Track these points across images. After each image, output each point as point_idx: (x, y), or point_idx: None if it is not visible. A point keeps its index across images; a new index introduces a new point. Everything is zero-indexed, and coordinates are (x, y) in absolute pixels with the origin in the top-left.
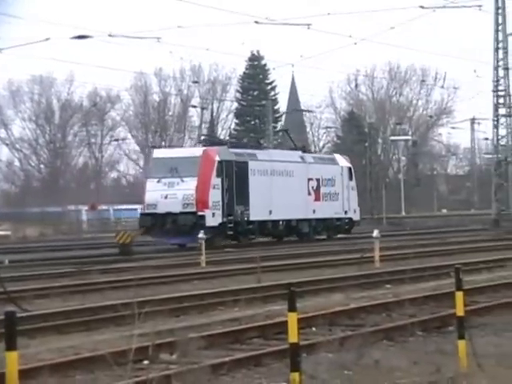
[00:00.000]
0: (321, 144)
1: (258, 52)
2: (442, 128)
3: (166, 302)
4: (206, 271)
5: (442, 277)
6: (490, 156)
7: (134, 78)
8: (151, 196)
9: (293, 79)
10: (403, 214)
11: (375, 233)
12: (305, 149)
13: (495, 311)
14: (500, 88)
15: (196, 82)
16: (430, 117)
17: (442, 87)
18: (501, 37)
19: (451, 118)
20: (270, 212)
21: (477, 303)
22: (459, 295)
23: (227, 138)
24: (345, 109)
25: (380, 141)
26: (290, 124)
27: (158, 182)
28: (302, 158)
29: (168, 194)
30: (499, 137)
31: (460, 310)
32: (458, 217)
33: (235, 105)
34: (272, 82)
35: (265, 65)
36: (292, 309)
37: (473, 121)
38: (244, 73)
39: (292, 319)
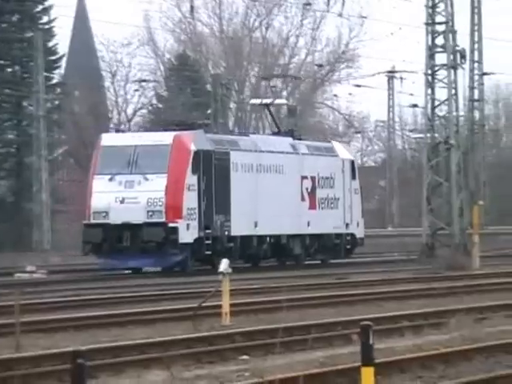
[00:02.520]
0: (130, 109)
1: None
2: (338, 86)
3: None
4: None
5: (337, 342)
6: (421, 136)
7: None
8: (100, 200)
9: None
10: None
11: (223, 265)
12: (293, 133)
13: None
14: (438, 19)
15: None
16: (319, 66)
17: (340, 15)
18: None
19: (355, 68)
20: (256, 224)
21: None
22: (367, 373)
23: None
24: (172, 49)
25: (233, 105)
26: (77, 74)
27: (111, 180)
28: (293, 146)
29: (125, 198)
30: (436, 103)
31: None
32: (365, 238)
33: None
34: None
35: None
36: None
37: (391, 74)
38: None
39: None
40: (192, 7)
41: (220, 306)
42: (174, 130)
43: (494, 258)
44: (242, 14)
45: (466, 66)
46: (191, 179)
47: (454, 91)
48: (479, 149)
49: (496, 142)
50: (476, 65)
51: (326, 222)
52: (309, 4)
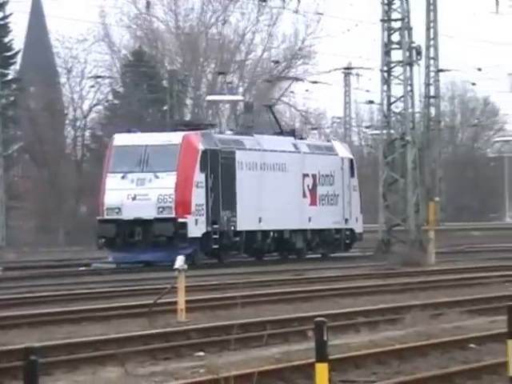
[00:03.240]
0: (86, 105)
1: None
2: (295, 83)
3: None
4: None
5: (293, 338)
6: (377, 133)
7: None
8: (113, 197)
9: None
10: None
11: (179, 261)
12: (295, 133)
13: None
14: (394, 16)
15: None
16: (276, 62)
17: (296, 12)
18: None
19: (311, 65)
20: (260, 220)
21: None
22: (321, 369)
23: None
24: (128, 45)
25: (189, 102)
26: (33, 70)
27: (123, 178)
28: (295, 146)
29: (137, 195)
30: (392, 100)
31: None
32: None
33: None
34: None
35: None
36: None
37: (347, 71)
38: None
39: None
40: (148, 3)
41: (176, 303)
42: (183, 130)
43: (450, 254)
44: (198, 10)
45: (422, 62)
46: (199, 177)
47: (409, 88)
48: (435, 145)
49: (452, 139)
50: (432, 61)
51: (326, 218)
52: (265, 0)
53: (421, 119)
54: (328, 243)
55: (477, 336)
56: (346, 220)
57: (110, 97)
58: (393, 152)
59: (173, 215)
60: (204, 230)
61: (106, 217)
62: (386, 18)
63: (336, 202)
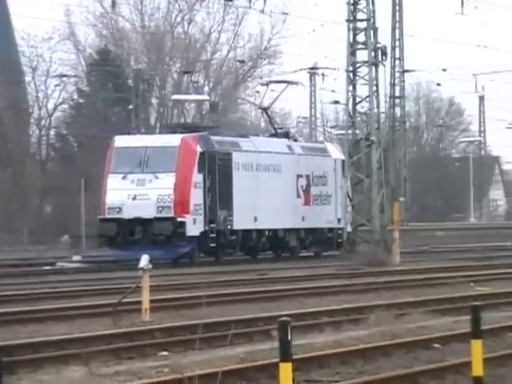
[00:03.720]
0: (51, 104)
1: None
2: (261, 82)
3: None
4: None
5: (257, 338)
6: (342, 133)
7: None
8: (114, 196)
9: None
10: None
11: (144, 261)
12: (289, 134)
13: None
14: (359, 17)
15: None
16: (241, 62)
17: (262, 12)
18: None
19: (277, 65)
20: (256, 219)
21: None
22: (285, 369)
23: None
24: (94, 44)
25: (155, 101)
26: None
27: (124, 178)
28: (289, 147)
29: (137, 195)
30: (357, 100)
31: None
32: None
33: None
34: None
35: None
36: None
37: (312, 71)
38: None
39: None
40: (113, 2)
41: (140, 302)
42: (182, 132)
43: (414, 255)
44: (164, 10)
45: (387, 63)
46: (197, 177)
47: (375, 88)
48: (400, 145)
49: (417, 139)
50: (397, 62)
51: (319, 217)
52: (231, 0)
53: (386, 119)
54: (321, 242)
55: (441, 336)
56: (339, 219)
57: (75, 96)
58: (358, 152)
59: (172, 215)
60: (202, 229)
61: (107, 216)
62: (351, 19)
63: (329, 202)
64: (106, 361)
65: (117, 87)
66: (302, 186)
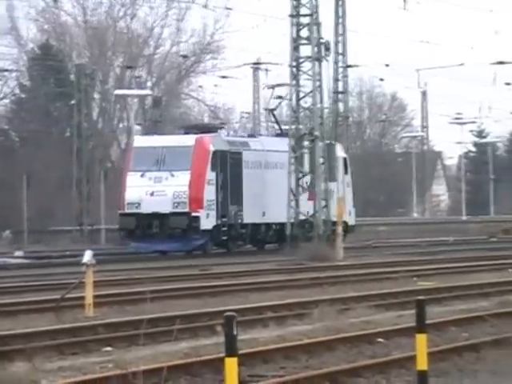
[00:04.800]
0: None
1: None
2: (204, 77)
3: None
4: None
5: (202, 333)
6: (286, 128)
7: None
8: (133, 193)
9: None
10: None
11: (87, 256)
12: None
13: None
14: (303, 12)
15: None
16: (184, 57)
17: (205, 7)
18: None
19: (220, 60)
20: (264, 214)
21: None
22: (231, 364)
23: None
24: (36, 39)
25: (97, 96)
26: None
27: (142, 176)
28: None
29: (155, 191)
30: (301, 95)
31: None
32: None
33: None
34: None
35: None
36: None
37: (256, 66)
38: None
39: None
40: None
41: (84, 298)
42: (196, 133)
43: (358, 249)
44: (106, 4)
45: (331, 58)
46: (210, 175)
47: (318, 83)
48: (343, 140)
49: (359, 134)
50: (340, 57)
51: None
52: None
53: (329, 114)
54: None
55: (384, 330)
56: None
57: (17, 90)
58: (301, 147)
59: (187, 210)
60: (214, 223)
61: (126, 211)
62: (294, 14)
63: (332, 197)
64: (50, 356)
65: (59, 82)
66: (306, 183)
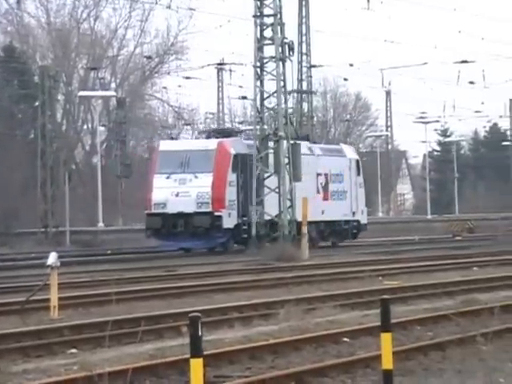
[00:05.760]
0: None
1: None
2: (168, 78)
3: None
4: None
5: (167, 334)
6: (250, 128)
7: None
8: (160, 194)
9: None
10: (101, 226)
11: (52, 258)
12: (309, 137)
13: None
14: (266, 12)
15: None
16: (148, 58)
17: (169, 7)
18: None
19: (184, 60)
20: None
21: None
22: (196, 365)
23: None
24: None
25: (61, 98)
26: None
27: (168, 178)
28: (310, 149)
29: (180, 192)
30: (265, 95)
31: None
32: None
33: None
34: None
35: None
36: None
37: (220, 67)
38: None
39: None
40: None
41: (49, 300)
42: (217, 137)
43: (323, 249)
44: (69, 6)
45: (295, 58)
46: (231, 177)
47: (282, 83)
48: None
49: (324, 134)
50: (304, 57)
51: (336, 211)
52: None
53: (294, 114)
54: (338, 233)
55: (350, 330)
56: (354, 213)
57: None
58: (266, 147)
59: (210, 209)
60: (235, 222)
61: (153, 211)
62: (258, 14)
63: (345, 197)
64: (15, 359)
65: (22, 84)
66: (321, 183)
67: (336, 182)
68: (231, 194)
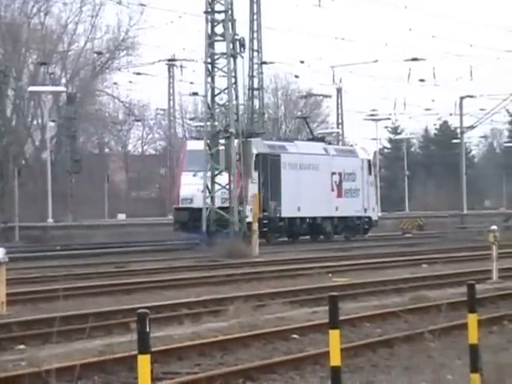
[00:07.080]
0: None
1: None
2: (118, 74)
3: None
4: None
5: (116, 330)
6: (201, 124)
7: None
8: (187, 190)
9: None
10: (50, 221)
11: None
12: (324, 139)
13: None
14: (217, 8)
15: None
16: (99, 53)
17: (120, 3)
18: None
19: (135, 56)
20: (299, 209)
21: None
22: (143, 361)
23: None
24: None
25: (11, 93)
26: None
27: (194, 175)
28: (325, 150)
29: None
30: (216, 92)
31: None
32: (145, 227)
33: None
34: None
35: None
36: None
37: (171, 63)
38: None
39: None
40: None
41: None
42: None
43: (273, 246)
44: (19, 1)
45: (246, 54)
46: (253, 175)
47: (233, 80)
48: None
49: (275, 131)
50: (255, 54)
51: (349, 208)
52: None
53: (245, 111)
54: (351, 228)
55: (299, 326)
56: (365, 209)
57: None
58: (217, 144)
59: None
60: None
61: (181, 205)
62: (209, 10)
63: (357, 195)
64: None
65: None
66: (335, 182)
67: (349, 181)
68: (253, 190)
